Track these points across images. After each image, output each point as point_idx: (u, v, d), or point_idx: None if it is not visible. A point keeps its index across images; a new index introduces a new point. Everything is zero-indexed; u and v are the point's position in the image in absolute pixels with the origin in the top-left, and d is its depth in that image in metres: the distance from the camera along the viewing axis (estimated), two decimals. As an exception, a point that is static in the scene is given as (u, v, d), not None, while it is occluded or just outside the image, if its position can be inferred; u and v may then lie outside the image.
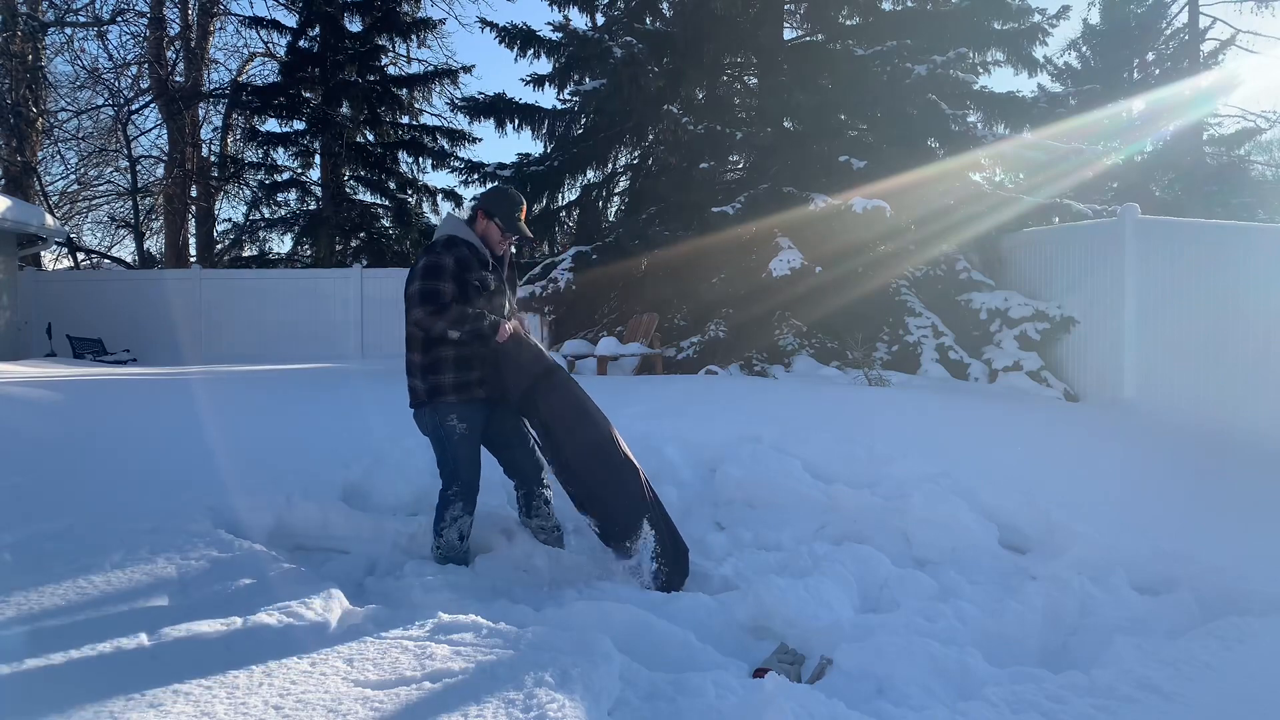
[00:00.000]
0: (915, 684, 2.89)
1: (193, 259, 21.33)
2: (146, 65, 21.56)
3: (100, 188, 23.77)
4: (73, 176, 23.24)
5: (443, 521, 3.90)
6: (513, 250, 4.19)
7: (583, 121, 12.37)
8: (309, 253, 20.83)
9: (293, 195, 20.89)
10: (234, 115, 22.11)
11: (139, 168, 22.04)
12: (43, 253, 19.44)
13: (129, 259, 23.35)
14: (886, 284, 9.56)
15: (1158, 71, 21.66)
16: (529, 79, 12.42)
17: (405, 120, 21.31)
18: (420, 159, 21.20)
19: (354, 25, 20.41)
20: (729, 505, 4.88)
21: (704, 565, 3.97)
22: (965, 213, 9.64)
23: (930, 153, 10.37)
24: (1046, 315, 8.67)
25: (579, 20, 13.54)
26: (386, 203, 21.11)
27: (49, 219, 15.38)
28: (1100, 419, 6.92)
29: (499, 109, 12.45)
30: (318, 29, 20.07)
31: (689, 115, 10.77)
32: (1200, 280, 7.00)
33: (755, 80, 12.44)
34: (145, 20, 21.44)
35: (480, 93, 12.57)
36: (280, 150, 20.61)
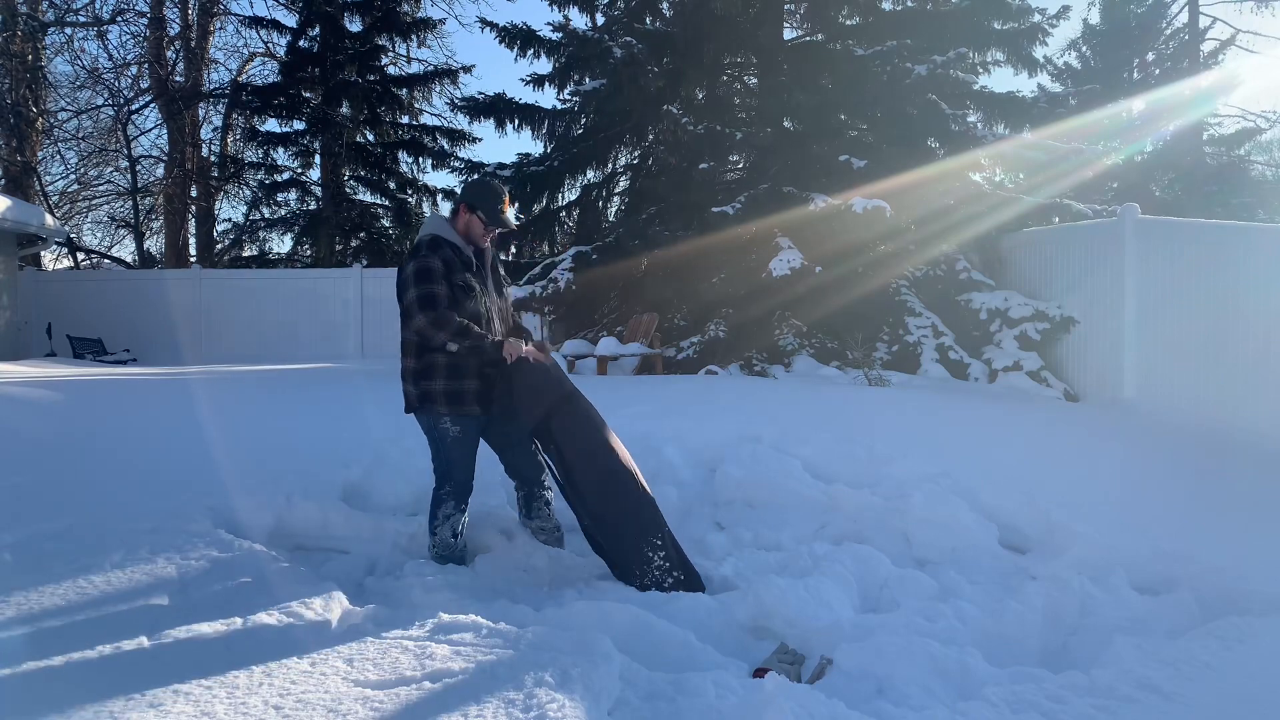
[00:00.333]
0: (915, 684, 2.89)
1: (193, 259, 21.34)
2: (146, 65, 21.58)
3: (100, 188, 23.81)
4: (73, 176, 23.30)
5: (436, 520, 3.91)
6: (495, 247, 4.13)
7: (583, 121, 12.37)
8: (309, 253, 20.84)
9: (293, 195, 20.92)
10: (234, 115, 22.12)
11: (139, 168, 22.07)
12: (43, 253, 19.45)
13: (129, 259, 23.39)
14: (886, 284, 9.57)
15: (1158, 71, 21.65)
16: (529, 79, 12.43)
17: (405, 120, 21.33)
18: (420, 159, 21.21)
19: (354, 25, 20.42)
20: (729, 505, 4.87)
21: (704, 565, 3.97)
22: (965, 213, 9.65)
23: (930, 153, 10.37)
24: (1046, 315, 8.67)
25: (579, 20, 13.57)
26: (386, 203, 21.13)
27: (49, 219, 15.39)
28: (1100, 419, 6.92)
29: (499, 109, 12.45)
30: (318, 29, 20.07)
31: (689, 115, 10.77)
32: (1200, 280, 6.99)
33: (755, 80, 12.44)
34: (145, 20, 21.49)
35: (480, 93, 12.59)
36: (280, 150, 20.64)
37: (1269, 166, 22.60)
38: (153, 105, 22.36)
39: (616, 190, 13.75)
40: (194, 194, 22.25)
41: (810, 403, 6.55)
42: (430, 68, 21.43)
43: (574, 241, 12.40)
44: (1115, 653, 3.10)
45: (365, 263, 18.73)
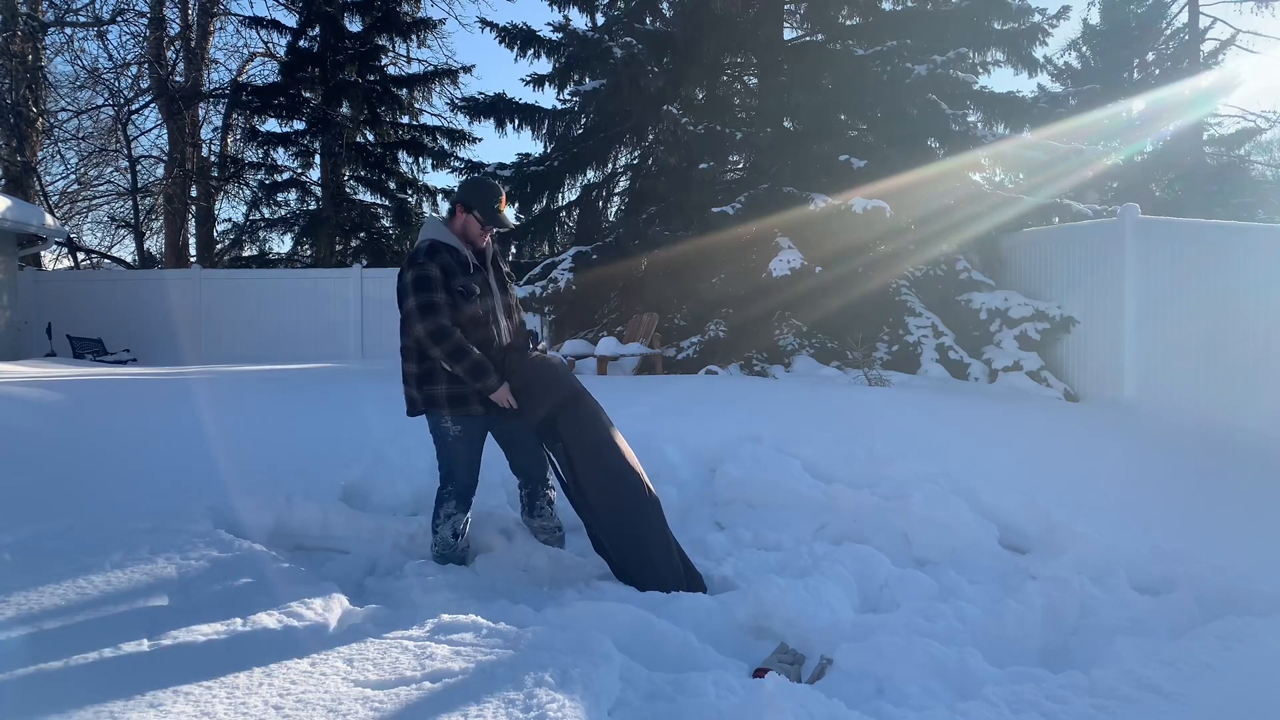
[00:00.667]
0: (915, 684, 2.89)
1: (193, 259, 21.33)
2: (146, 65, 21.58)
3: (100, 188, 23.83)
4: (73, 176, 23.31)
5: (437, 519, 3.91)
6: (496, 246, 4.12)
7: (583, 121, 12.38)
8: (309, 253, 20.85)
9: (293, 195, 20.94)
10: (234, 115, 22.12)
11: (139, 168, 22.07)
12: (43, 253, 19.46)
13: (129, 259, 23.40)
14: (886, 284, 9.57)
15: (1158, 71, 21.66)
16: (529, 79, 12.43)
17: (405, 120, 21.34)
18: (420, 159, 21.22)
19: (354, 25, 20.44)
20: (729, 505, 4.88)
21: (704, 565, 3.97)
22: (965, 213, 9.65)
23: (930, 153, 10.38)
24: (1046, 315, 8.67)
25: (579, 20, 13.58)
26: (386, 203, 21.13)
27: (49, 219, 15.39)
28: (1100, 419, 6.91)
29: (499, 109, 12.46)
30: (318, 29, 20.08)
31: (689, 115, 10.77)
32: (1200, 280, 6.99)
33: (755, 80, 12.44)
34: (145, 20, 21.49)
35: (480, 93, 12.61)
36: (280, 150, 20.67)
37: (1269, 166, 22.61)
38: (153, 105, 22.38)
39: (616, 190, 13.77)
40: (194, 194, 22.25)
41: (810, 403, 6.55)
42: (430, 68, 21.46)
43: (574, 241, 12.40)
44: (1115, 652, 3.10)
45: (365, 263, 18.74)
